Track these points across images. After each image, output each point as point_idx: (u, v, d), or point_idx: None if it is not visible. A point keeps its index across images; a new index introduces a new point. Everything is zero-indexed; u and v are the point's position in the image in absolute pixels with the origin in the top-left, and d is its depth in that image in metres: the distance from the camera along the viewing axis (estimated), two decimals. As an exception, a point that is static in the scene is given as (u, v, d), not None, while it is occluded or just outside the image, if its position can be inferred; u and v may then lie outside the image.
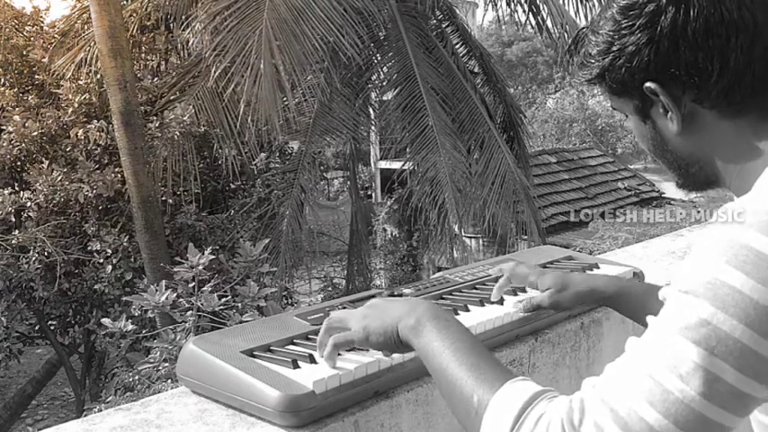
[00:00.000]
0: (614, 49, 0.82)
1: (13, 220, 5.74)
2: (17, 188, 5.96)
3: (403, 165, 8.29)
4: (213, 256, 3.57)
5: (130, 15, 6.81)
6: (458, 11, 9.43)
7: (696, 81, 0.78)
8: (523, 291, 1.37)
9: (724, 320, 0.65)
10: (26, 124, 5.92)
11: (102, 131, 5.82)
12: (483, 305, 1.31)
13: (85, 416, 1.34)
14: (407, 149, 7.75)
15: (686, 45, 0.77)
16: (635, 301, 1.18)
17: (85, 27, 6.70)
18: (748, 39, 0.76)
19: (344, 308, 1.22)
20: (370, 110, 9.14)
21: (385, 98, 8.48)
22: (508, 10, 8.92)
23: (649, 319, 0.72)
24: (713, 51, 0.76)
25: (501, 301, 1.34)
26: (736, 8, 0.75)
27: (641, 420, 0.65)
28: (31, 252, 5.59)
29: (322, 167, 8.15)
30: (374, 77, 8.40)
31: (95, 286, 5.74)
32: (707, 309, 0.65)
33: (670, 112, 0.81)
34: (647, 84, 0.80)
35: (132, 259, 5.76)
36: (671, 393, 0.65)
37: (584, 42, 0.87)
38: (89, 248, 5.77)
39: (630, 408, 0.66)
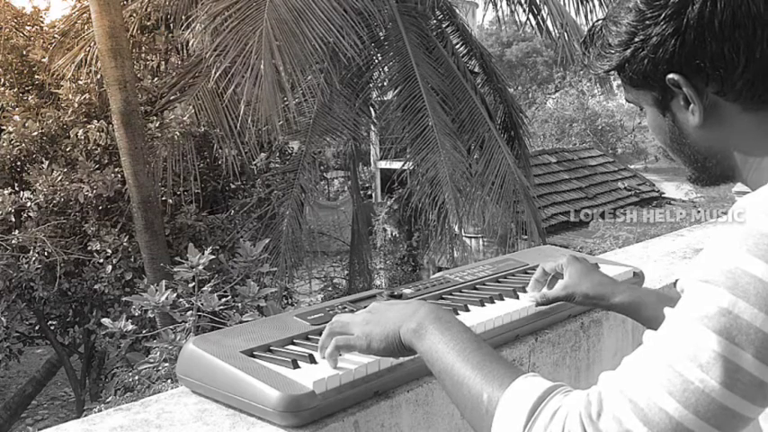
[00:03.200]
0: (637, 39, 0.80)
1: (13, 220, 5.74)
2: (17, 188, 5.96)
3: (403, 165, 8.29)
4: (213, 256, 3.57)
5: (130, 15, 6.81)
6: (458, 11, 9.42)
7: (721, 73, 0.77)
8: (524, 291, 1.37)
9: (745, 309, 0.64)
10: (26, 124, 5.92)
11: (102, 131, 5.83)
12: (483, 305, 1.31)
13: (85, 416, 1.34)
14: (407, 149, 7.74)
15: (713, 37, 0.76)
16: (645, 313, 1.15)
17: (85, 27, 6.71)
18: None
19: (345, 308, 1.22)
20: (371, 110, 9.14)
21: (385, 98, 8.48)
22: (508, 10, 8.92)
23: (667, 310, 0.71)
24: (740, 43, 0.76)
25: (501, 299, 1.34)
26: (762, 2, 0.75)
27: (661, 411, 0.64)
28: (31, 252, 5.59)
29: (322, 167, 8.17)
30: (374, 77, 8.40)
31: (95, 286, 5.74)
32: (727, 297, 0.65)
33: (692, 105, 0.80)
34: (671, 75, 0.79)
35: (132, 259, 5.76)
36: (691, 383, 0.64)
37: (600, 33, 0.86)
38: (89, 248, 5.77)
39: (650, 398, 0.65)
